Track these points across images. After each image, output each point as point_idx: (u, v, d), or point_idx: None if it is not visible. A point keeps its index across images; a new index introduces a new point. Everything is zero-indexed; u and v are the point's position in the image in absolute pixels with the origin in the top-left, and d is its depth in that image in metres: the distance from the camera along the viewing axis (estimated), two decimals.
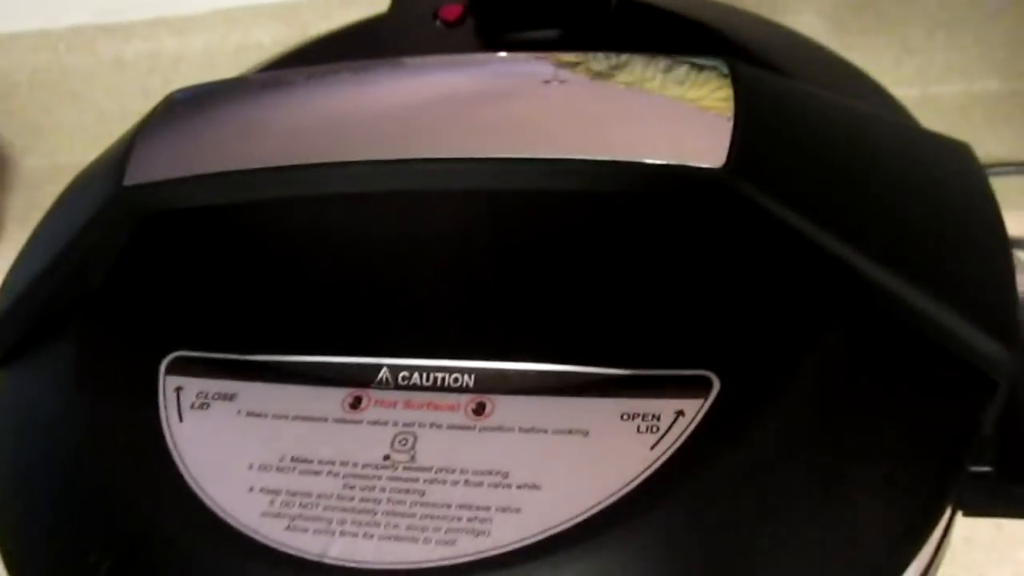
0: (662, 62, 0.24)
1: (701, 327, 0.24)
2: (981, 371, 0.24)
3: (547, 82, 0.24)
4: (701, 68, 0.25)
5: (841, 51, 0.61)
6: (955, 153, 0.27)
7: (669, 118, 0.23)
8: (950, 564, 0.28)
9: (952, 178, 0.26)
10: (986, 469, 0.26)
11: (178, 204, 0.26)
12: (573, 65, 0.25)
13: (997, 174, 0.52)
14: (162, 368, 0.26)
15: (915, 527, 0.23)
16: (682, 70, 0.24)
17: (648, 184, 0.23)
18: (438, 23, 0.33)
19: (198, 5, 0.62)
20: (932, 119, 0.31)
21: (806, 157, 0.24)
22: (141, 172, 0.26)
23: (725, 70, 0.24)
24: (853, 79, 0.32)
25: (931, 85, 0.62)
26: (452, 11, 0.33)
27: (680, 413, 0.23)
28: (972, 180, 0.27)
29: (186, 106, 0.27)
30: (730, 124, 0.23)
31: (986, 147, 0.54)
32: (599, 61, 0.25)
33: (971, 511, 0.27)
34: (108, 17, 0.63)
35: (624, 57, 0.25)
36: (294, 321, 0.26)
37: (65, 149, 0.69)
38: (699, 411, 0.22)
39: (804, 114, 0.24)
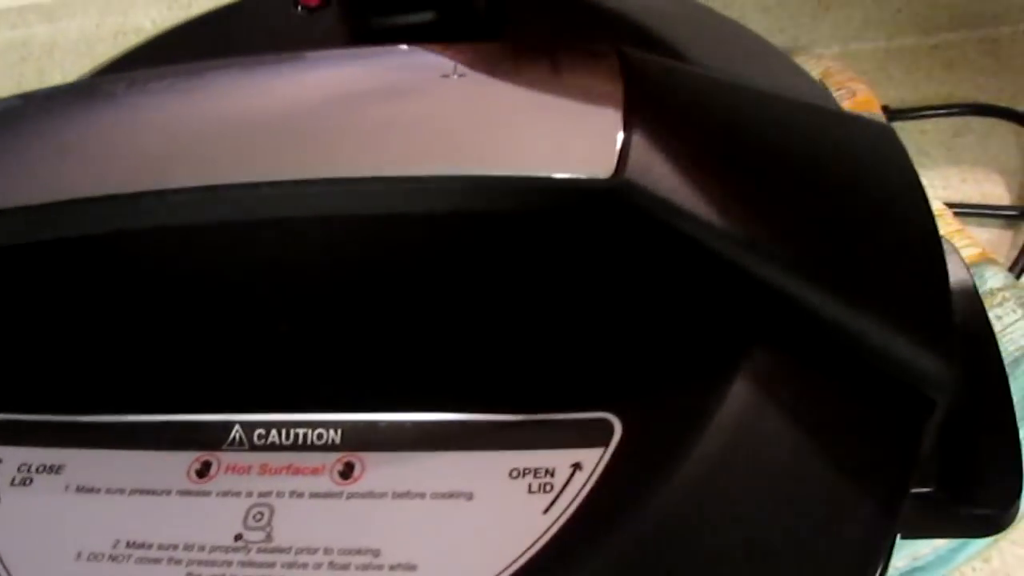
0: (538, 53, 0.21)
1: (598, 361, 0.21)
2: (919, 390, 0.21)
3: (403, 88, 0.20)
4: (585, 58, 0.21)
5: (757, 11, 0.59)
6: (878, 137, 0.24)
7: (549, 120, 0.20)
8: None
9: (876, 168, 0.23)
10: (927, 490, 0.24)
11: None
12: (435, 55, 0.21)
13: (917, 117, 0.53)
14: None
15: (861, 565, 0.20)
16: (562, 61, 0.21)
17: (529, 199, 0.20)
18: (299, 8, 0.30)
19: None
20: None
21: (710, 158, 0.20)
22: None
23: (613, 60, 0.21)
24: (767, 58, 0.29)
25: (850, 42, 0.61)
26: None
27: (577, 466, 0.19)
28: (897, 169, 0.24)
29: None
30: (619, 125, 0.20)
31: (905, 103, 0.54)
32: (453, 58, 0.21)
33: (910, 534, 0.25)
34: None
35: (492, 48, 0.21)
36: (130, 374, 0.23)
37: None
38: (599, 463, 0.19)
39: (708, 108, 0.21)
